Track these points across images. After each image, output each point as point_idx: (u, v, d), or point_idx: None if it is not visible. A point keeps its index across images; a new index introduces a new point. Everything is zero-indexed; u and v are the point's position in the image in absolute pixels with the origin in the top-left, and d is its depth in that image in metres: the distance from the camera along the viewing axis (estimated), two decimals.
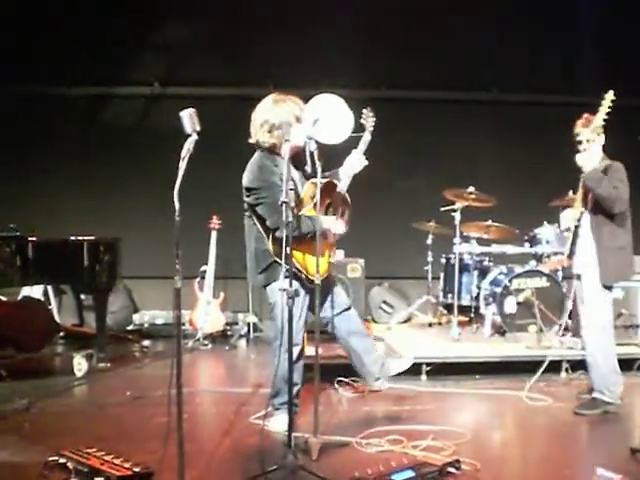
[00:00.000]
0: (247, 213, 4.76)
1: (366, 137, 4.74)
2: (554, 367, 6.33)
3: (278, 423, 4.70)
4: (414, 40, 9.10)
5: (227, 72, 9.16)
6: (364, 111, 4.74)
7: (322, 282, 4.38)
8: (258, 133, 4.68)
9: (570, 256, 5.47)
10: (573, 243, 5.44)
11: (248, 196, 4.65)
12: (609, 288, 5.28)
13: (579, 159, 5.18)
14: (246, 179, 4.66)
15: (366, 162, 4.80)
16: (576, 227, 5.39)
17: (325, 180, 4.70)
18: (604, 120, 5.00)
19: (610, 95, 4.96)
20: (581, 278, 5.42)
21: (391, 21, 9.02)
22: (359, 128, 4.69)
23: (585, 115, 5.36)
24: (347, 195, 4.90)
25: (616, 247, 5.24)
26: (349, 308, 5.13)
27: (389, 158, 8.86)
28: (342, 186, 4.84)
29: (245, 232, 4.83)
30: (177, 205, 3.34)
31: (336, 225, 4.80)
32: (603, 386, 5.28)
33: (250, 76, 9.12)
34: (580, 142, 5.23)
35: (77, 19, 8.84)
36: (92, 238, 6.79)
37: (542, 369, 5.96)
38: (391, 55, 9.08)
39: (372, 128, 4.73)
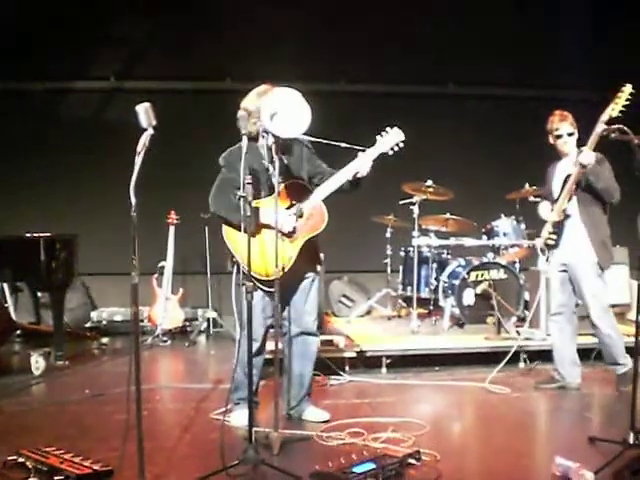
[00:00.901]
0: None
1: (383, 148, 4.79)
2: (512, 358, 6.40)
3: (238, 418, 4.69)
4: (372, 34, 9.11)
5: (183, 66, 9.09)
6: (395, 131, 4.85)
7: (282, 283, 4.34)
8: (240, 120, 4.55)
9: (554, 247, 5.62)
10: (558, 234, 5.57)
11: None
12: (603, 270, 5.54)
13: (586, 158, 5.22)
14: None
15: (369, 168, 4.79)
16: (562, 220, 5.53)
17: (296, 182, 4.71)
18: (620, 112, 5.03)
19: (628, 88, 5.00)
20: (573, 267, 5.58)
21: (350, 15, 9.03)
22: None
23: (558, 111, 5.55)
24: (322, 205, 4.75)
25: (606, 235, 5.54)
26: (312, 334, 4.98)
27: (347, 152, 8.88)
28: (319, 195, 4.74)
29: None
30: (133, 200, 3.31)
31: (283, 222, 4.58)
32: (623, 357, 5.56)
33: (207, 70, 9.08)
34: (560, 136, 5.45)
35: (31, 14, 8.70)
36: (48, 235, 6.71)
37: (506, 359, 6.05)
38: (350, 49, 9.09)
39: (392, 151, 4.81)
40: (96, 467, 3.75)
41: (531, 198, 7.71)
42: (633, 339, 4.13)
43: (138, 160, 3.36)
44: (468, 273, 7.45)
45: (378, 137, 4.80)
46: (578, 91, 9.11)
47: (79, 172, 8.89)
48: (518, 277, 7.58)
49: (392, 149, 4.81)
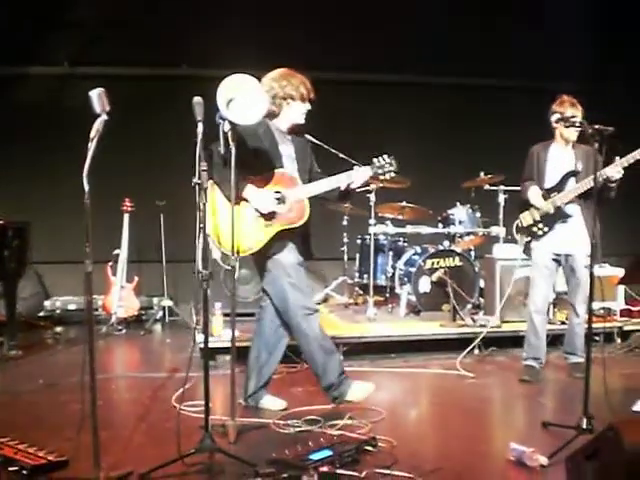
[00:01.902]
0: None
1: (377, 172, 4.93)
2: (467, 345, 6.47)
3: (272, 402, 4.92)
4: (330, 20, 9.08)
5: (138, 52, 8.96)
6: (386, 160, 4.92)
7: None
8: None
9: (540, 236, 5.67)
10: (546, 224, 5.63)
11: None
12: None
13: (618, 173, 5.23)
14: None
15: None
16: (553, 213, 5.59)
17: (289, 173, 4.79)
18: None
19: None
20: (572, 257, 5.64)
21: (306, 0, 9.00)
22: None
23: (566, 96, 5.50)
24: (306, 203, 4.85)
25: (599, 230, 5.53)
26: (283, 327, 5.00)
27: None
28: (309, 189, 4.84)
29: None
30: (87, 187, 3.27)
31: (258, 200, 4.64)
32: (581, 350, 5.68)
33: (162, 56, 8.97)
34: (574, 124, 5.13)
35: None
36: (0, 223, 6.59)
37: (472, 346, 6.12)
38: (305, 35, 9.04)
39: (383, 177, 4.98)
40: (51, 457, 3.71)
41: (486, 186, 7.78)
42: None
43: (91, 146, 3.32)
44: (424, 261, 7.49)
45: (375, 160, 4.94)
46: (531, 81, 9.24)
47: (31, 159, 8.73)
48: (473, 265, 7.65)
49: (383, 175, 4.94)
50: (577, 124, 4.95)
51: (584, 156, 5.53)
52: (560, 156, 5.65)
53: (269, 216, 4.68)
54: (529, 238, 5.75)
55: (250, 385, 4.95)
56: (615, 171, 5.21)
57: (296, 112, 4.84)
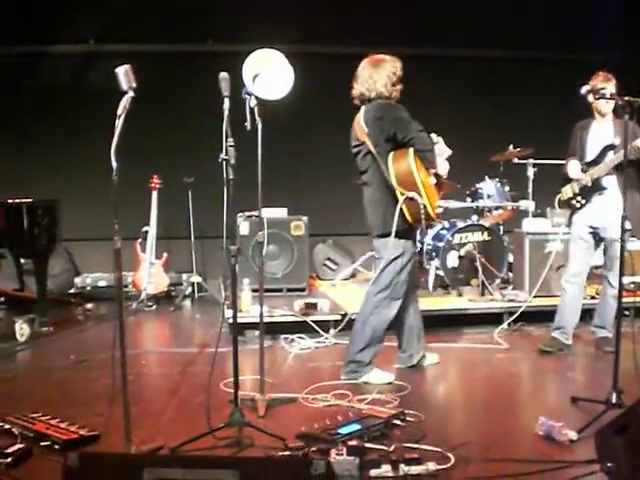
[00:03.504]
0: (367, 164, 4.97)
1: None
2: (496, 319, 6.45)
3: (379, 377, 4.95)
4: None
5: (164, 28, 8.96)
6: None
7: None
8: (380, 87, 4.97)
9: (579, 209, 5.65)
10: (585, 197, 5.60)
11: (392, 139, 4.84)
12: None
13: None
14: (392, 124, 4.84)
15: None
16: (591, 186, 5.54)
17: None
18: None
19: None
20: (609, 230, 5.53)
21: None
22: None
23: (601, 72, 5.45)
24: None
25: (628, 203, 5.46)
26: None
27: (331, 114, 8.82)
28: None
29: (367, 179, 5.02)
30: (115, 164, 3.29)
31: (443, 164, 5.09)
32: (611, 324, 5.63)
33: (188, 32, 8.96)
34: (611, 96, 5.02)
35: None
36: (30, 201, 6.64)
37: (511, 319, 6.11)
38: (333, 10, 8.99)
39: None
40: (82, 432, 3.76)
41: (515, 160, 7.71)
42: None
43: (119, 123, 3.33)
44: (452, 235, 7.46)
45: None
46: (560, 52, 9.12)
47: (60, 137, 8.81)
48: (502, 239, 7.59)
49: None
50: (607, 96, 4.86)
51: (622, 129, 5.47)
52: (600, 130, 5.61)
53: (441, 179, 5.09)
54: (570, 211, 5.74)
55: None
56: None
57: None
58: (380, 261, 4.99)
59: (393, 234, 4.74)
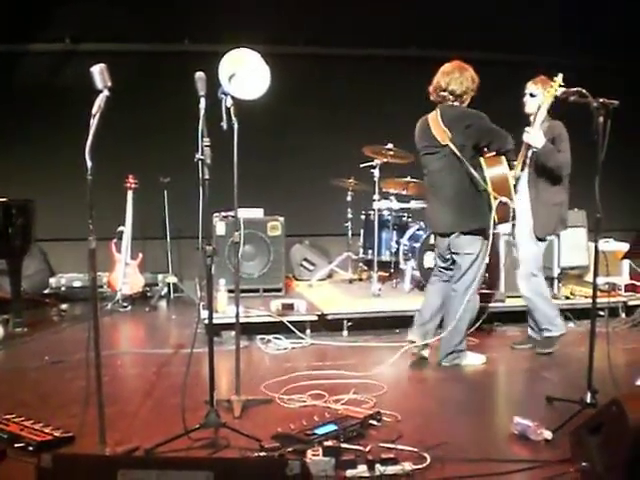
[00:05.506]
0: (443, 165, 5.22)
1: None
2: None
3: (474, 358, 5.49)
4: None
5: (140, 27, 8.89)
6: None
7: None
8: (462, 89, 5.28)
9: None
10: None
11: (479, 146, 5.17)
12: (541, 240, 5.62)
13: (532, 140, 5.29)
14: (477, 127, 5.13)
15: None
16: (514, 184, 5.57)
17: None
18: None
19: (559, 79, 4.79)
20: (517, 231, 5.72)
21: None
22: None
23: (542, 77, 5.52)
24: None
25: (552, 203, 5.58)
26: None
27: (308, 115, 8.83)
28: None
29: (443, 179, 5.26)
30: (89, 164, 3.27)
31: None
32: (548, 323, 5.72)
33: (164, 31, 8.92)
34: (524, 95, 5.54)
35: None
36: (4, 200, 6.59)
37: (480, 320, 6.13)
38: (308, 11, 8.98)
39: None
40: (57, 434, 3.74)
41: None
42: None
43: (94, 123, 3.31)
44: (428, 236, 7.47)
45: None
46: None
47: (34, 137, 8.72)
48: None
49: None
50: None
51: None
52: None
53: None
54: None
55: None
56: (530, 138, 5.30)
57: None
58: (460, 257, 5.27)
59: (490, 235, 5.13)
